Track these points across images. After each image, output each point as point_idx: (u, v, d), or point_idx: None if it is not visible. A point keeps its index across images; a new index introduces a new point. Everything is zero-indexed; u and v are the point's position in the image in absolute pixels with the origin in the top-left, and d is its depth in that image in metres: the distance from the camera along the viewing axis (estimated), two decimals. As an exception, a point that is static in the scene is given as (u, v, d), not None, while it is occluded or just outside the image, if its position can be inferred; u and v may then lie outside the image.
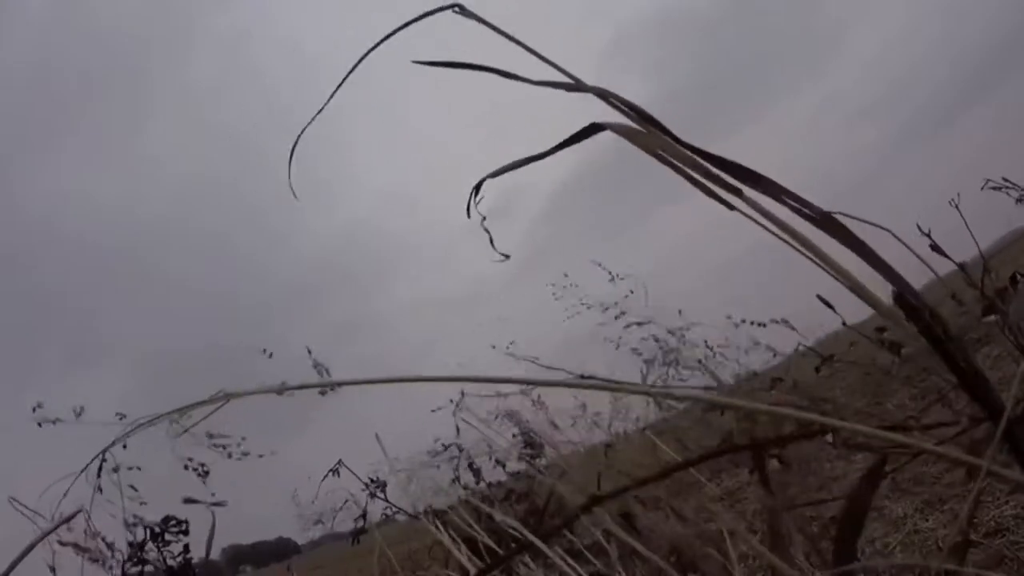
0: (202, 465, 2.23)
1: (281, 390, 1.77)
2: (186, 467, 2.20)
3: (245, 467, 2.61)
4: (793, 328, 2.90)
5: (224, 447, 2.23)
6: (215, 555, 3.11)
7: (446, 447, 3.11)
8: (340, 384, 1.80)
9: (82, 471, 2.24)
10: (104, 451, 2.13)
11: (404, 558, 3.45)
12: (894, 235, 1.77)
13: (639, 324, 2.92)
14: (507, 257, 1.42)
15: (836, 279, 0.98)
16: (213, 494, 2.35)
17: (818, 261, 0.97)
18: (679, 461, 1.85)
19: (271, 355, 2.11)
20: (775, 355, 3.07)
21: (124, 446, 2.12)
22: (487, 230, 1.32)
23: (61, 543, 2.46)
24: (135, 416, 2.01)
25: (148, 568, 2.53)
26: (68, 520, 2.39)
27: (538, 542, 1.40)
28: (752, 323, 2.96)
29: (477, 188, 1.24)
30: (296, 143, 1.36)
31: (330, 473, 3.07)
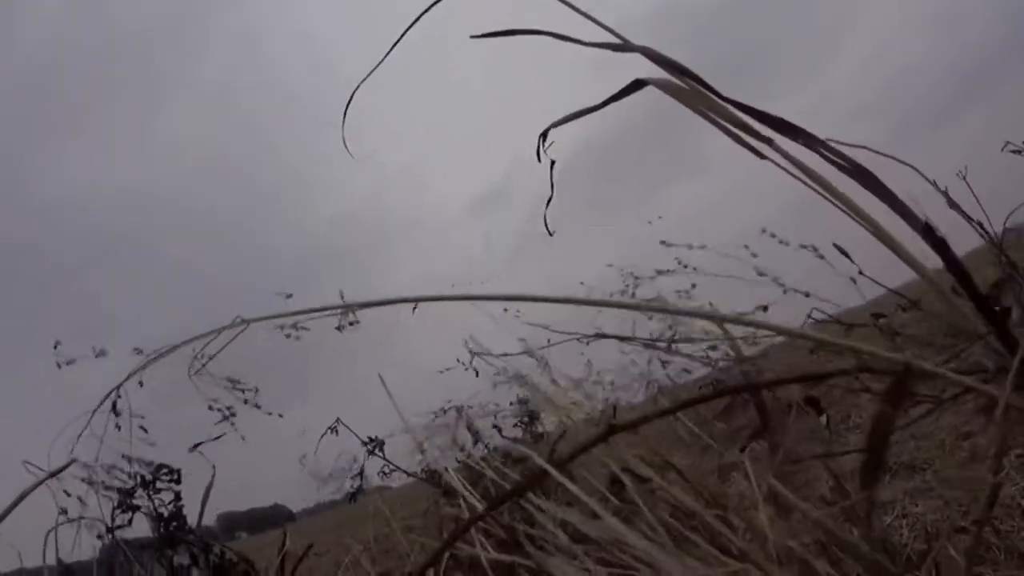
0: (228, 408, 2.22)
1: (302, 313, 1.76)
2: (211, 407, 2.19)
3: (243, 433, 2.60)
4: (807, 295, 2.87)
5: (243, 391, 2.22)
6: (210, 521, 3.10)
7: (446, 410, 3.11)
8: (362, 307, 1.78)
9: (97, 407, 2.24)
10: (120, 385, 2.12)
11: (401, 523, 3.45)
12: (920, 173, 1.77)
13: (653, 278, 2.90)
14: (552, 234, 1.50)
15: (864, 227, 1.00)
16: (217, 438, 2.34)
17: (847, 210, 1.00)
18: (680, 401, 1.86)
19: (290, 296, 2.06)
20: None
21: (141, 383, 2.12)
22: (553, 182, 1.40)
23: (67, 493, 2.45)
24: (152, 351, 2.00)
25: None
26: (59, 472, 2.39)
27: (552, 470, 1.39)
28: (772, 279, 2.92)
29: (544, 135, 1.33)
30: (350, 101, 1.44)
31: (329, 431, 3.06)
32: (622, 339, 2.59)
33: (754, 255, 2.76)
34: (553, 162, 1.39)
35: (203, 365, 1.91)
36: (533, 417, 3.32)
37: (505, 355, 2.82)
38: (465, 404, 3.06)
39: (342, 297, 2.15)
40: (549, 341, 2.81)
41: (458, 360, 3.01)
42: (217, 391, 2.24)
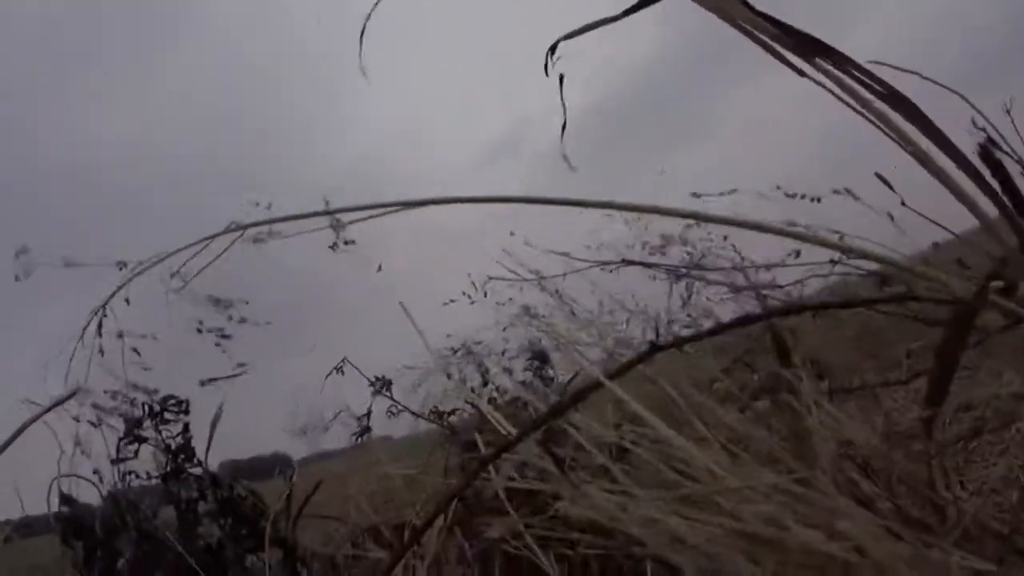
0: (220, 330, 2.08)
1: (292, 218, 1.65)
2: (199, 330, 2.07)
3: (243, 381, 2.50)
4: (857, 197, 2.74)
5: (227, 308, 2.08)
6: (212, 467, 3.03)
7: (455, 350, 3.03)
8: (350, 210, 1.67)
9: (84, 329, 2.13)
10: (105, 304, 2.01)
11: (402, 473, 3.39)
12: (967, 101, 1.68)
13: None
14: (574, 170, 1.49)
15: (903, 148, 0.98)
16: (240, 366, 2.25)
17: (887, 131, 0.97)
18: (722, 323, 1.78)
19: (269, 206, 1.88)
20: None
21: (127, 300, 2.01)
22: (564, 101, 1.38)
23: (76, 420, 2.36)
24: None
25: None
26: (63, 401, 2.30)
27: (606, 381, 1.32)
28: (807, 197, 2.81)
29: (553, 49, 1.29)
30: (364, 27, 1.42)
31: (334, 371, 2.98)
32: (647, 266, 2.51)
33: (789, 194, 2.66)
34: (562, 77, 1.33)
35: (195, 276, 1.79)
36: (544, 359, 3.24)
37: (520, 279, 2.72)
38: (472, 342, 2.99)
39: (326, 204, 2.00)
40: (565, 276, 2.73)
41: (463, 293, 2.93)
42: (203, 311, 2.11)
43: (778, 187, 2.58)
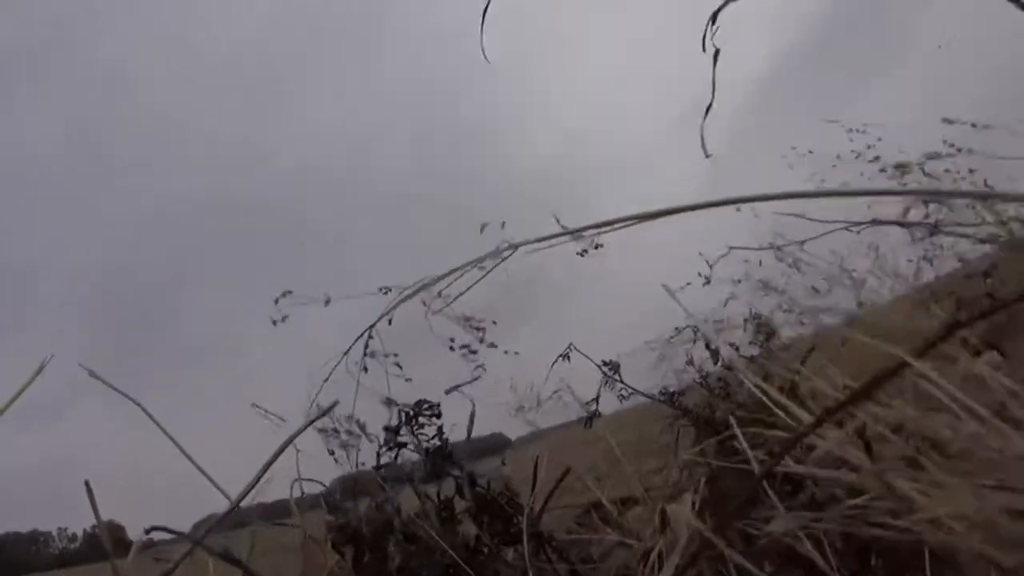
0: (467, 346, 2.19)
1: (565, 234, 1.62)
2: (452, 348, 2.17)
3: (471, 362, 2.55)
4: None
5: (479, 329, 2.17)
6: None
7: (680, 330, 2.92)
8: (615, 224, 1.62)
9: (347, 351, 2.27)
10: (372, 327, 2.12)
11: (630, 446, 3.35)
12: None
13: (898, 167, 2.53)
14: (708, 155, 1.37)
15: None
16: (478, 368, 2.31)
17: None
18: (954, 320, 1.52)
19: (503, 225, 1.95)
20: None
21: (390, 321, 2.10)
22: (714, 75, 1.28)
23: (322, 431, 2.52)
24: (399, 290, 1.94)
25: (405, 451, 2.56)
26: (326, 413, 2.44)
27: (914, 362, 1.17)
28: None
29: (714, 17, 1.17)
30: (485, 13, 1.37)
31: (560, 358, 2.97)
32: (895, 224, 2.26)
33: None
34: (717, 51, 1.20)
35: (447, 304, 1.85)
36: (771, 333, 3.05)
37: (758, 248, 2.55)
38: (701, 321, 2.85)
39: (558, 221, 2.02)
40: (803, 244, 2.52)
41: (699, 274, 2.80)
42: (454, 329, 2.23)
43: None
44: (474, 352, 2.21)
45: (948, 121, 2.50)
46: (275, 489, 2.49)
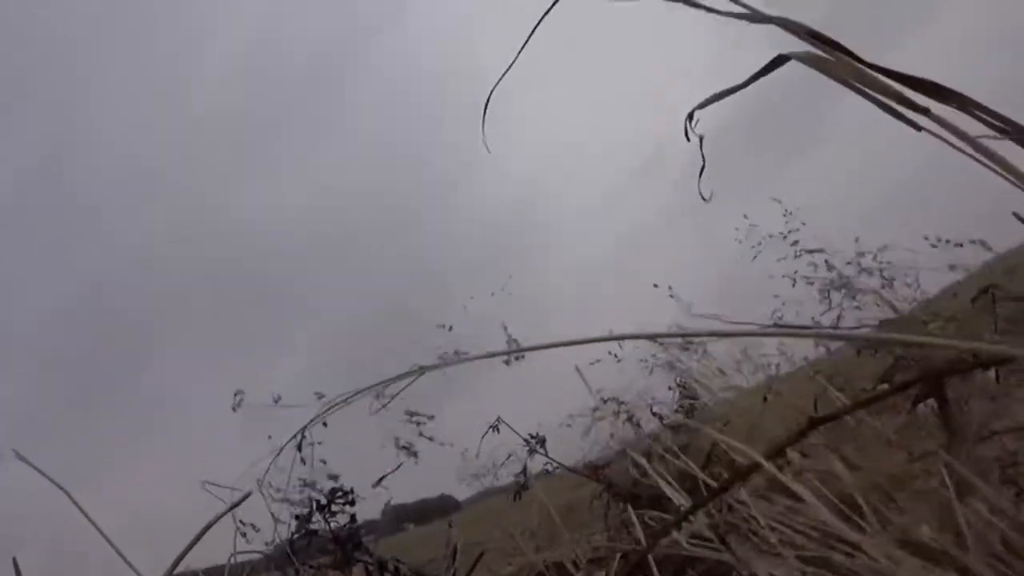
0: (410, 445, 2.33)
1: (472, 359, 1.78)
2: (397, 446, 2.32)
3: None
4: (989, 248, 2.63)
5: (418, 423, 2.32)
6: (374, 515, 3.25)
7: (605, 401, 3.07)
8: (525, 351, 1.79)
9: (280, 450, 2.39)
10: (305, 428, 2.24)
11: (563, 511, 3.47)
12: None
13: (811, 252, 2.77)
14: (707, 199, 1.50)
15: None
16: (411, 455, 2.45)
17: (1012, 178, 0.92)
18: (852, 402, 1.71)
19: (451, 328, 2.16)
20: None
21: (325, 424, 2.24)
22: (704, 155, 1.44)
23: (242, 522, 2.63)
24: (331, 394, 2.09)
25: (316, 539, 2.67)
26: (239, 503, 2.56)
27: (765, 463, 1.34)
28: (947, 242, 2.72)
29: (690, 117, 1.35)
30: (489, 98, 1.47)
31: (490, 429, 3.11)
32: (798, 335, 2.46)
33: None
34: (701, 138, 1.39)
35: (382, 407, 2.00)
36: (693, 399, 3.22)
37: (660, 343, 2.73)
38: (620, 396, 3.02)
39: (506, 331, 2.22)
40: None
41: (609, 352, 2.97)
42: (394, 424, 2.38)
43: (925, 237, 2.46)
44: (414, 453, 2.36)
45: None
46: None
